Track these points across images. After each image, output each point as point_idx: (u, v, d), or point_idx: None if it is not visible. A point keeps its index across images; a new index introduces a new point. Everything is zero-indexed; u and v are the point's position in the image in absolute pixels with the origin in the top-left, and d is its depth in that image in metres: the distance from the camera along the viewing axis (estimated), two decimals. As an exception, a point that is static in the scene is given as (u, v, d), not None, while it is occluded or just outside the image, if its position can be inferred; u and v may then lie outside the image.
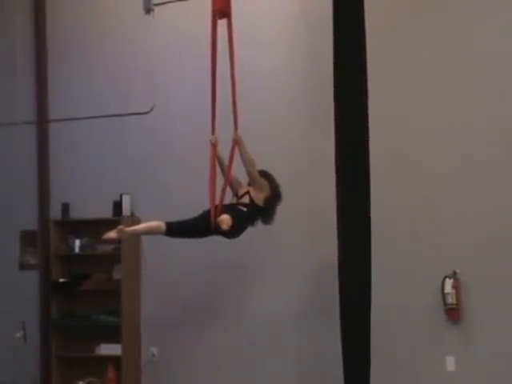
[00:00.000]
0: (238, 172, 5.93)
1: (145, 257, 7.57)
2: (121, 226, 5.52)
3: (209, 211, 5.54)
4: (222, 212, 5.51)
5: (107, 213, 7.54)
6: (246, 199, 5.85)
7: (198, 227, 5.62)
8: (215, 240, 5.81)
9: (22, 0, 8.06)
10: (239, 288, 7.22)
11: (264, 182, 5.92)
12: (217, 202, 5.54)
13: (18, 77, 7.97)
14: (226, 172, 5.75)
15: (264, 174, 5.97)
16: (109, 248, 7.50)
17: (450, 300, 6.46)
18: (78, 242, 7.69)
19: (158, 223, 5.62)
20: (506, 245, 6.38)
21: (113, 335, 7.38)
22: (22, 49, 8.03)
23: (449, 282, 6.47)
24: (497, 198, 6.44)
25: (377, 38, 6.22)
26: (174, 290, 7.37)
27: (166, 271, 7.42)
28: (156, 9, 7.62)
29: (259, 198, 5.87)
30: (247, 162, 5.79)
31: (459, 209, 6.54)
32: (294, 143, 7.07)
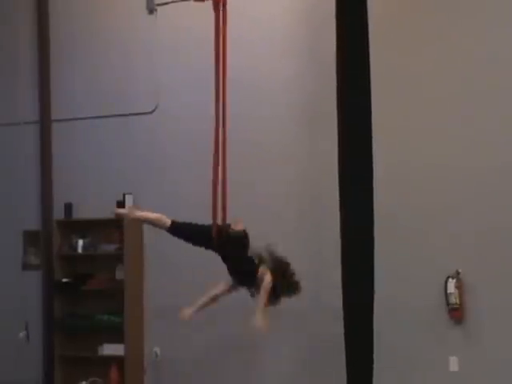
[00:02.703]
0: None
1: (148, 257, 7.58)
2: (132, 206, 5.44)
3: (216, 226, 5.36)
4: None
5: (110, 213, 7.53)
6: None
7: (200, 236, 5.49)
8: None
9: (24, 0, 8.06)
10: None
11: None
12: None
13: (21, 77, 7.98)
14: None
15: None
16: (112, 248, 7.52)
17: (453, 300, 6.46)
18: (80, 242, 7.72)
19: (164, 217, 5.52)
20: (509, 245, 6.39)
21: (116, 335, 7.39)
22: (24, 49, 8.02)
23: (452, 282, 6.47)
24: (501, 198, 6.44)
25: (380, 40, 6.21)
26: (177, 291, 7.36)
27: (169, 271, 7.43)
28: (159, 9, 7.65)
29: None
30: None
31: (463, 208, 6.54)
32: (295, 144, 7.06)
